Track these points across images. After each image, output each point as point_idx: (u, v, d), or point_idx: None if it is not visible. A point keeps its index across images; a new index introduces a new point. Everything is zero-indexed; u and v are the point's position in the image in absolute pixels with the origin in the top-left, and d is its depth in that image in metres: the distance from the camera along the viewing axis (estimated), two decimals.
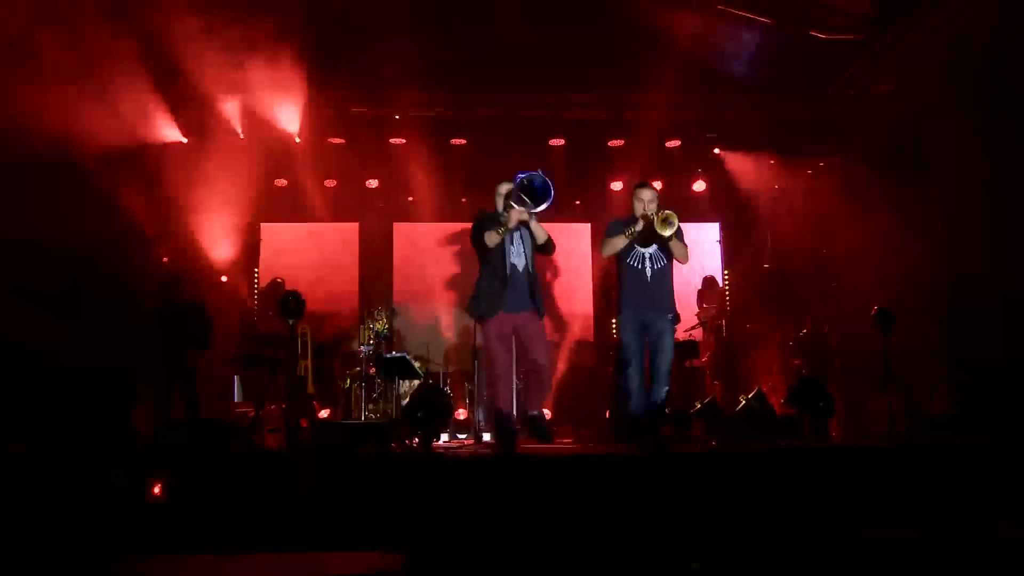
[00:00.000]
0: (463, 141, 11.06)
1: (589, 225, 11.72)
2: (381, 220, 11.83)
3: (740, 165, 11.32)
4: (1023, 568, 3.75)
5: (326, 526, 4.46)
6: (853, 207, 9.58)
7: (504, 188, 6.36)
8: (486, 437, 8.15)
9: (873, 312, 7.81)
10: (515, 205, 6.09)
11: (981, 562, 3.78)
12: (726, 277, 11.72)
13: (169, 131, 10.09)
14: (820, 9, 8.43)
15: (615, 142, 11.13)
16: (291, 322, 7.18)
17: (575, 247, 11.76)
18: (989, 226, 7.86)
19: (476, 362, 8.21)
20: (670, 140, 11.23)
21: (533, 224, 6.28)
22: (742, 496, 4.71)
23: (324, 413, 9.18)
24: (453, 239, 11.34)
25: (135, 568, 3.77)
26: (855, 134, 9.81)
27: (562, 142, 11.16)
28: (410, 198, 11.48)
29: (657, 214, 6.11)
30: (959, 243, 8.31)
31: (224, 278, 10.63)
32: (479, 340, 6.62)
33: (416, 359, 8.83)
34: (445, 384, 9.16)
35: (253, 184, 10.70)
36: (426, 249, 11.61)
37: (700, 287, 10.67)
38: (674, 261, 6.45)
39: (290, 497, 4.77)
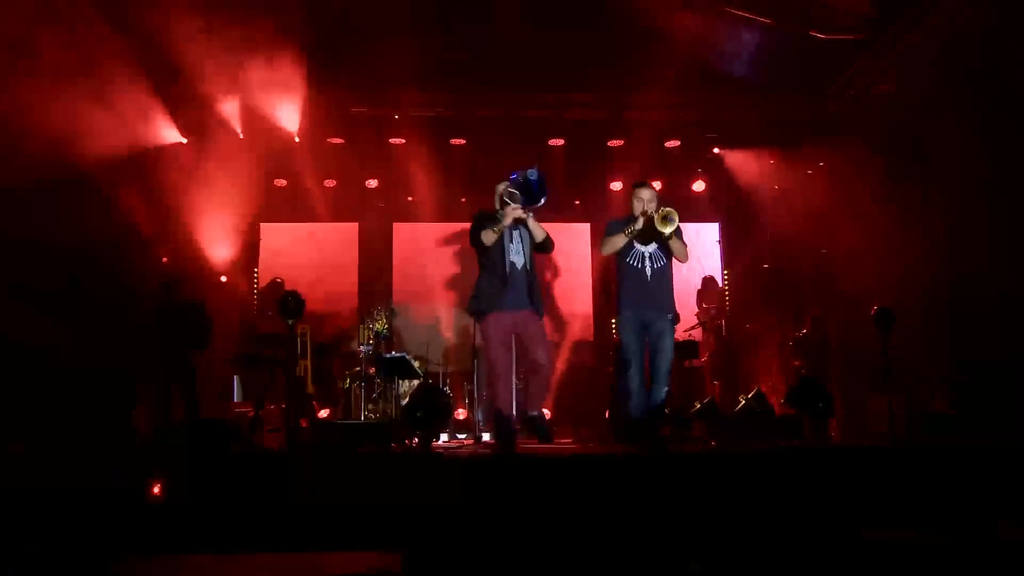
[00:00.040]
0: (463, 141, 11.06)
1: (589, 225, 11.71)
2: (381, 220, 11.82)
3: (740, 165, 11.32)
4: (1023, 568, 3.75)
5: (326, 526, 4.46)
6: (853, 207, 9.58)
7: (502, 187, 6.39)
8: (486, 437, 8.14)
9: (873, 312, 7.81)
10: (509, 202, 6.13)
11: (981, 562, 3.78)
12: (725, 277, 11.72)
13: (169, 131, 10.08)
14: (820, 9, 8.42)
15: (615, 142, 11.13)
16: (290, 322, 7.19)
17: (575, 247, 11.76)
18: (989, 226, 7.87)
19: (476, 362, 8.22)
20: (670, 140, 11.23)
21: (531, 222, 6.29)
22: (742, 496, 4.71)
23: (324, 413, 9.18)
24: (453, 239, 11.34)
25: (135, 568, 3.77)
26: (855, 134, 9.81)
27: (562, 142, 11.16)
28: (410, 198, 11.47)
29: (657, 211, 6.11)
30: (959, 243, 8.32)
31: (224, 278, 10.63)
32: (479, 340, 6.62)
33: (416, 359, 8.83)
34: (444, 384, 9.15)
35: (253, 184, 10.70)
36: (426, 249, 11.61)
37: (700, 287, 10.67)
38: (673, 261, 6.45)
39: (290, 497, 4.77)
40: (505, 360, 6.38)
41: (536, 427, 6.32)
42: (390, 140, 10.92)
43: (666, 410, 6.71)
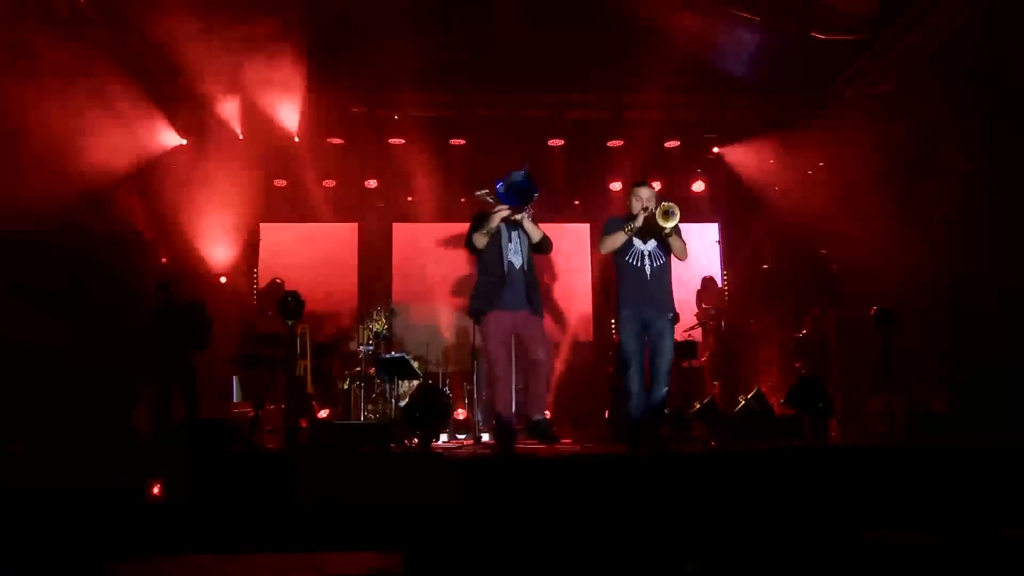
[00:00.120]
0: (462, 141, 11.06)
1: (588, 225, 11.72)
2: (380, 220, 11.84)
3: (739, 165, 11.32)
4: (1023, 568, 3.75)
5: (326, 526, 4.46)
6: (853, 207, 9.57)
7: (480, 194, 6.45)
8: (485, 437, 8.14)
9: (873, 312, 7.81)
10: (489, 201, 6.18)
11: (981, 562, 3.78)
12: (725, 277, 11.72)
13: (168, 131, 10.08)
14: (820, 9, 8.42)
15: (614, 142, 11.13)
16: (290, 322, 7.19)
17: (574, 247, 11.76)
18: (989, 226, 7.86)
19: (475, 362, 8.21)
20: (669, 140, 11.24)
21: (527, 223, 6.30)
22: (742, 496, 4.71)
23: (323, 413, 9.17)
24: (453, 239, 11.33)
25: (135, 568, 3.77)
26: (855, 134, 9.80)
27: (561, 142, 11.16)
28: (409, 198, 11.48)
29: (658, 206, 6.07)
30: (959, 243, 8.31)
31: (223, 279, 10.62)
32: (478, 340, 6.62)
33: (415, 359, 8.82)
34: (444, 384, 9.14)
35: (252, 184, 10.71)
36: (425, 249, 11.61)
37: (699, 287, 10.67)
38: (672, 260, 6.44)
39: (290, 497, 4.77)
40: (504, 360, 6.38)
41: (540, 431, 6.30)
42: (390, 140, 10.93)
43: (666, 410, 6.70)
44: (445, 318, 11.27)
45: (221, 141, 10.29)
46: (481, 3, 8.57)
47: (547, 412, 6.44)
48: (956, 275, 8.31)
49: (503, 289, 6.28)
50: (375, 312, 9.32)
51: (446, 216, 11.19)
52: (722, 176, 11.59)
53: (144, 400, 7.80)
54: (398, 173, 11.12)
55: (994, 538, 4.20)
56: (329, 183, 11.31)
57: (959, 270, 8.27)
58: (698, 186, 11.48)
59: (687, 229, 6.57)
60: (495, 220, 6.20)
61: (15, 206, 6.91)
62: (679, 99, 10.42)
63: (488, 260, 6.40)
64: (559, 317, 11.48)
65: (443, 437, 8.70)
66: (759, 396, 8.21)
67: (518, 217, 6.25)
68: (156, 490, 4.72)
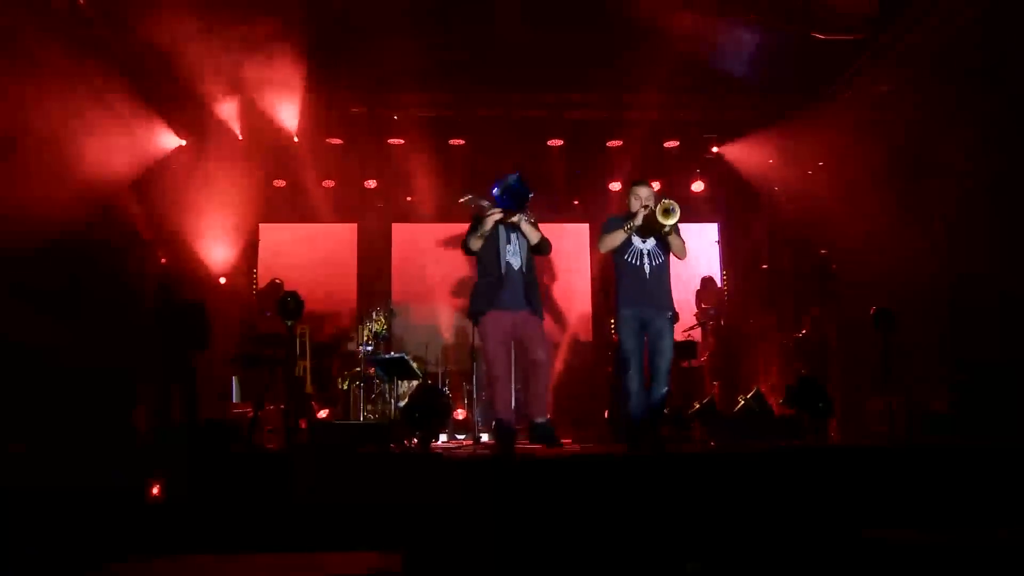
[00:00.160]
0: (462, 141, 11.06)
1: (588, 225, 11.72)
2: (380, 220, 11.84)
3: (739, 163, 11.32)
4: (1023, 568, 3.75)
5: (326, 526, 4.46)
6: (853, 207, 9.57)
7: (464, 200, 6.47)
8: (484, 437, 8.14)
9: (872, 312, 7.81)
10: (482, 206, 6.21)
11: (981, 562, 3.78)
12: (724, 277, 11.73)
13: (168, 132, 10.08)
14: (820, 9, 8.41)
15: (614, 142, 11.12)
16: (289, 323, 7.19)
17: (574, 247, 11.77)
18: (989, 226, 7.86)
19: (474, 363, 8.21)
20: (669, 140, 11.23)
21: (524, 225, 6.31)
22: (742, 496, 4.71)
23: (323, 413, 9.18)
24: (452, 240, 11.32)
25: (135, 568, 3.77)
26: (855, 134, 9.80)
27: (561, 142, 11.16)
28: (409, 198, 11.48)
29: (658, 204, 6.05)
30: (959, 243, 8.31)
31: (223, 279, 10.62)
32: (477, 341, 6.63)
33: (415, 359, 8.82)
34: (444, 384, 9.14)
35: (252, 185, 10.70)
36: (425, 250, 11.62)
37: (698, 287, 10.67)
38: (672, 259, 6.43)
39: (290, 497, 4.77)
40: (503, 360, 6.39)
41: (542, 435, 6.28)
42: (389, 140, 10.92)
43: (666, 410, 6.70)
44: (444, 318, 11.27)
45: (221, 141, 10.28)
46: (481, 3, 8.55)
47: (547, 414, 6.41)
48: (956, 275, 8.31)
49: (501, 290, 6.29)
50: (374, 312, 9.32)
51: (446, 216, 11.19)
52: (722, 176, 11.59)
53: (144, 400, 7.80)
54: (398, 173, 11.12)
55: (994, 538, 4.20)
56: (329, 183, 11.31)
57: (959, 270, 8.27)
58: (697, 186, 11.47)
59: (686, 229, 6.56)
60: (488, 223, 6.23)
61: (15, 207, 6.91)
62: (678, 99, 10.41)
63: (487, 261, 6.42)
64: (559, 317, 11.48)
65: (442, 437, 8.70)
66: (758, 396, 8.21)
67: (515, 219, 6.26)
68: (156, 490, 4.72)
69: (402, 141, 10.86)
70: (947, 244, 8.56)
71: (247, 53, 8.72)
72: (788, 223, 11.13)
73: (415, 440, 7.57)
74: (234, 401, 9.27)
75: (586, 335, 11.66)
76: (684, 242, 6.35)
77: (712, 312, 10.33)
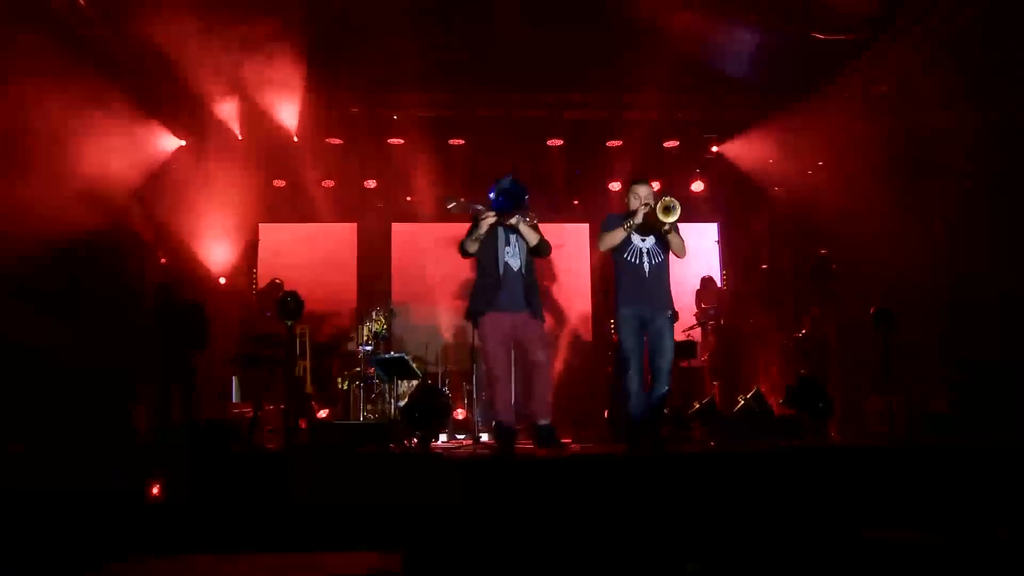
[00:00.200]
0: (462, 141, 11.05)
1: (588, 225, 11.72)
2: (380, 220, 11.84)
3: (739, 162, 11.31)
4: (1023, 568, 3.75)
5: (326, 526, 4.46)
6: (852, 207, 9.57)
7: (451, 205, 6.47)
8: (484, 437, 8.14)
9: (872, 312, 7.81)
10: (474, 211, 6.24)
11: (981, 562, 3.78)
12: (724, 277, 11.72)
13: (167, 132, 10.08)
14: (820, 9, 8.41)
15: (614, 142, 11.12)
16: (289, 323, 7.19)
17: (574, 247, 11.77)
18: (989, 226, 7.86)
19: (474, 363, 8.21)
20: (669, 140, 11.23)
21: (523, 227, 6.29)
22: (742, 496, 4.71)
23: (323, 413, 9.17)
24: (452, 240, 11.31)
25: (135, 568, 3.77)
26: (855, 134, 9.80)
27: (561, 142, 11.16)
28: (409, 198, 11.48)
29: (659, 202, 6.01)
30: (959, 243, 8.31)
31: (223, 279, 10.62)
32: (476, 341, 6.63)
33: (414, 359, 8.82)
34: (443, 384, 9.14)
35: (252, 185, 10.70)
36: (425, 249, 11.60)
37: (698, 287, 10.67)
38: (671, 258, 6.41)
39: (290, 497, 4.77)
40: (503, 361, 6.37)
41: (544, 437, 6.25)
42: (389, 140, 10.92)
43: (665, 410, 6.69)
44: (444, 318, 11.27)
45: (220, 141, 10.28)
46: (481, 3, 8.55)
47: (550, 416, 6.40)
48: (956, 275, 8.31)
49: (499, 291, 6.28)
50: (374, 312, 9.32)
51: (445, 216, 11.11)
52: (721, 176, 11.59)
53: (144, 400, 7.81)
54: (397, 173, 11.11)
55: (994, 538, 4.20)
56: (328, 183, 11.30)
57: (959, 270, 8.27)
58: (697, 186, 11.46)
59: (686, 229, 6.55)
60: (483, 227, 6.23)
61: (15, 207, 6.91)
62: (678, 99, 10.42)
63: (485, 263, 6.42)
64: (558, 317, 11.48)
65: (442, 437, 8.70)
66: (758, 396, 8.20)
67: (512, 221, 6.25)
68: (156, 490, 4.72)
69: (402, 141, 10.86)
70: (947, 244, 8.57)
71: (247, 53, 8.71)
72: (788, 223, 11.13)
73: (415, 440, 7.56)
74: (234, 401, 9.27)
75: (586, 335, 11.66)
76: (684, 241, 6.33)
77: (712, 312, 10.32)
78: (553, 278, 11.57)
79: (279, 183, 11.29)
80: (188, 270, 9.95)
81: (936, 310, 8.53)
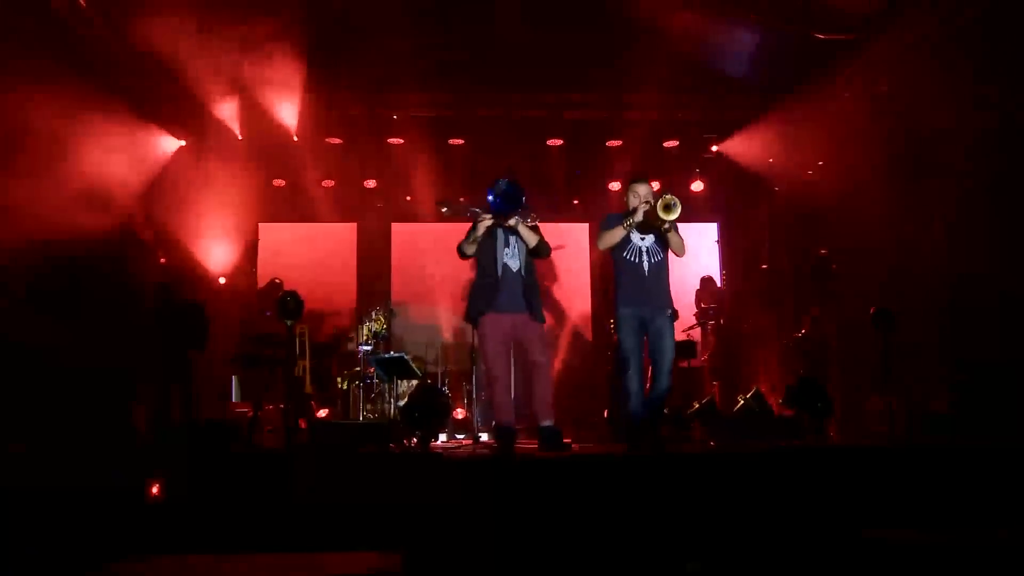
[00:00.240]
0: (462, 141, 11.05)
1: (587, 225, 11.72)
2: (380, 220, 11.85)
3: (738, 165, 11.31)
4: (1023, 568, 3.75)
5: (325, 526, 4.46)
6: (852, 207, 9.57)
7: (445, 209, 6.47)
8: (484, 437, 8.13)
9: (872, 312, 7.81)
10: (468, 213, 6.23)
11: (981, 562, 3.78)
12: (724, 277, 11.72)
13: (167, 132, 10.08)
14: (820, 9, 8.41)
15: (614, 142, 11.12)
16: (289, 323, 7.18)
17: (574, 247, 11.77)
18: (989, 226, 7.86)
19: (474, 363, 8.20)
20: (668, 140, 11.23)
21: (522, 229, 6.28)
22: (742, 496, 4.71)
23: (322, 413, 9.17)
24: (452, 239, 11.30)
25: (135, 568, 3.77)
26: (854, 134, 9.80)
27: (561, 142, 11.16)
28: (408, 198, 11.48)
29: (659, 199, 5.96)
30: (959, 243, 8.30)
31: (222, 279, 10.62)
32: (476, 341, 6.62)
33: (414, 359, 8.81)
34: (443, 384, 9.14)
35: (251, 184, 10.71)
36: (424, 249, 11.60)
37: (698, 287, 10.67)
38: (670, 257, 6.39)
39: (290, 497, 4.76)
40: (502, 361, 6.36)
41: (549, 440, 6.21)
42: (389, 140, 10.92)
43: (665, 410, 6.68)
44: (444, 318, 11.27)
45: (220, 141, 10.29)
46: (481, 3, 8.56)
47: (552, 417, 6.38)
48: (956, 275, 8.31)
49: (498, 292, 6.27)
50: (374, 312, 9.31)
51: (445, 216, 11.16)
52: (721, 176, 11.59)
53: (144, 400, 7.80)
54: (397, 173, 11.12)
55: (994, 538, 4.20)
56: (328, 183, 11.31)
57: (959, 270, 8.26)
58: (697, 186, 11.45)
59: (686, 228, 6.54)
60: (480, 229, 6.21)
61: (15, 207, 6.91)
62: (678, 99, 10.43)
63: (485, 263, 6.41)
64: (558, 316, 11.49)
65: (442, 437, 8.70)
66: (758, 396, 8.20)
67: (511, 223, 6.24)
68: (156, 490, 4.71)
69: (402, 141, 10.86)
70: (947, 244, 8.56)
71: (247, 53, 8.73)
72: (788, 223, 11.13)
73: (415, 440, 7.56)
74: (234, 401, 9.27)
75: (586, 335, 11.67)
76: (683, 239, 6.31)
77: (712, 312, 10.33)
78: (553, 278, 11.57)
79: (279, 183, 11.29)
80: (188, 270, 9.95)
81: (936, 310, 8.53)
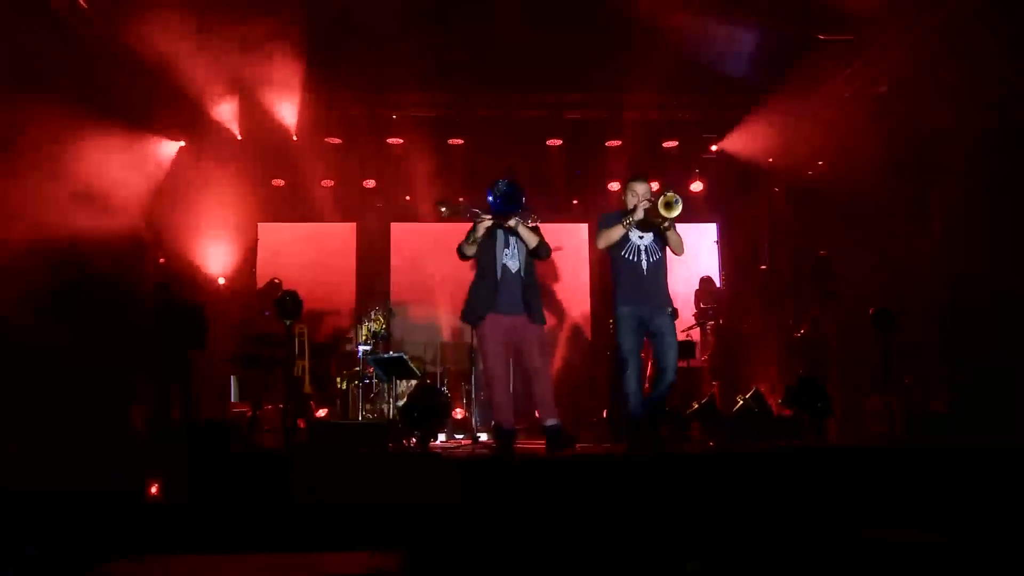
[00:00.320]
0: (461, 141, 11.05)
1: (587, 225, 11.71)
2: (379, 220, 11.86)
3: (738, 165, 11.31)
4: (1023, 568, 3.74)
5: (324, 526, 4.45)
6: (852, 207, 9.57)
7: (444, 210, 6.47)
8: (483, 437, 8.13)
9: (872, 312, 7.80)
10: (473, 211, 6.24)
11: (981, 562, 3.77)
12: (723, 277, 11.72)
13: (167, 132, 10.07)
14: (820, 9, 8.41)
15: (613, 142, 11.12)
16: (288, 323, 7.18)
17: (573, 246, 11.77)
18: (989, 226, 7.85)
19: (473, 363, 8.20)
20: (668, 140, 11.23)
21: (522, 230, 6.26)
22: (742, 496, 4.71)
23: (321, 413, 9.17)
24: (451, 239, 11.29)
25: (135, 568, 3.76)
26: (854, 134, 9.80)
27: (560, 142, 11.16)
28: (408, 198, 11.48)
29: (661, 197, 5.92)
30: (959, 243, 8.30)
31: (222, 279, 10.62)
32: (475, 342, 6.60)
33: (413, 359, 8.80)
34: (442, 384, 9.14)
35: (251, 184, 10.71)
36: (424, 249, 11.60)
37: (697, 287, 10.67)
38: (669, 257, 6.36)
39: (289, 497, 4.76)
40: (501, 362, 6.35)
41: (555, 438, 6.17)
42: (388, 140, 10.92)
43: (666, 408, 6.66)
44: (443, 318, 11.27)
45: (220, 141, 10.29)
46: (481, 3, 8.56)
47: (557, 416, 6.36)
48: (956, 275, 8.31)
49: (497, 293, 6.25)
50: (373, 312, 9.30)
51: (444, 216, 11.16)
52: (721, 176, 11.59)
53: (143, 400, 7.80)
54: (397, 173, 11.13)
55: (994, 538, 4.20)
56: (328, 183, 11.31)
57: (959, 270, 8.26)
58: (696, 186, 11.45)
59: (686, 228, 6.53)
60: (480, 230, 6.20)
61: (15, 207, 6.91)
62: (677, 99, 10.43)
63: (484, 264, 6.39)
64: (558, 316, 11.49)
65: (441, 437, 8.69)
66: (757, 396, 8.19)
67: (511, 224, 6.23)
68: (155, 490, 4.71)
69: (401, 141, 10.86)
70: (947, 244, 8.56)
71: (247, 53, 8.72)
72: (788, 223, 11.13)
73: (414, 440, 7.56)
74: (233, 401, 9.27)
75: (585, 334, 11.67)
76: (681, 238, 6.29)
77: (711, 312, 10.32)
78: (554, 278, 11.57)
79: (278, 183, 11.30)
80: (188, 270, 9.95)
81: (936, 310, 8.53)
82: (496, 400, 6.31)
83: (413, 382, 8.57)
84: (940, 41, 8.39)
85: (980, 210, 7.99)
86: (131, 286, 8.80)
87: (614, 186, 11.42)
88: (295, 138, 10.47)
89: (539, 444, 6.64)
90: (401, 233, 11.87)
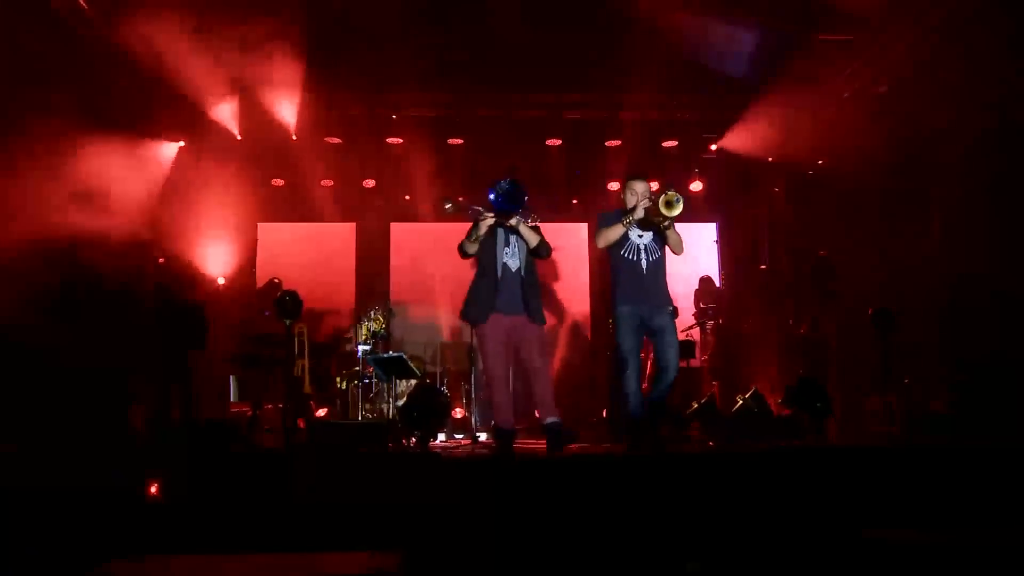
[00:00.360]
0: (461, 141, 11.05)
1: (586, 224, 11.71)
2: (379, 220, 11.85)
3: (737, 164, 11.31)
4: (1023, 568, 3.74)
5: (324, 526, 4.45)
6: (852, 207, 9.57)
7: (449, 207, 6.46)
8: (483, 437, 8.13)
9: (871, 312, 7.80)
10: (475, 209, 6.24)
11: (981, 562, 3.77)
12: (723, 277, 11.72)
13: (166, 132, 10.07)
14: (820, 9, 8.41)
15: (613, 142, 11.12)
16: (287, 322, 7.18)
17: (573, 246, 11.76)
18: (989, 226, 7.86)
19: (472, 362, 8.20)
20: (667, 140, 11.23)
21: (523, 229, 6.25)
22: (742, 496, 4.71)
23: (321, 413, 9.16)
24: (451, 239, 11.29)
25: (135, 568, 3.76)
26: (853, 134, 9.81)
27: (560, 142, 11.16)
28: (407, 198, 11.48)
29: (662, 195, 5.90)
30: (959, 243, 8.31)
31: (221, 279, 10.62)
32: (475, 341, 6.60)
33: (413, 359, 8.79)
34: (442, 384, 9.13)
35: (250, 184, 10.71)
36: (424, 249, 11.60)
37: (697, 287, 10.67)
38: (668, 256, 6.35)
39: (288, 497, 4.76)
40: (501, 362, 6.34)
41: (556, 435, 6.15)
42: (388, 140, 10.92)
43: (666, 409, 6.66)
44: (443, 318, 11.27)
45: (219, 141, 10.29)
46: (481, 3, 8.56)
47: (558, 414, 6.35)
48: (956, 275, 8.31)
49: (497, 292, 6.24)
50: (373, 311, 9.29)
51: (445, 216, 11.12)
52: (720, 176, 11.58)
53: (143, 400, 7.80)
54: (397, 173, 11.13)
55: (994, 538, 4.20)
56: (327, 183, 11.31)
57: (959, 270, 8.26)
58: (696, 186, 11.44)
59: (686, 228, 6.52)
60: (482, 228, 6.19)
61: (15, 207, 6.91)
62: (677, 99, 10.43)
63: (484, 263, 6.39)
64: (558, 316, 11.49)
65: (441, 437, 8.69)
66: (757, 396, 8.19)
67: (512, 223, 6.23)
68: (155, 490, 4.71)
69: (401, 141, 10.86)
70: (947, 244, 8.56)
71: (246, 53, 8.72)
72: (788, 223, 11.13)
73: (413, 440, 7.56)
74: (233, 401, 9.26)
75: (585, 334, 11.67)
76: (681, 237, 6.28)
77: (711, 312, 10.32)
78: (554, 277, 11.57)
79: (278, 182, 11.29)
80: (188, 270, 9.94)
81: (936, 310, 8.53)
82: (496, 400, 6.31)
83: (413, 382, 8.57)
84: (940, 41, 8.40)
85: (980, 210, 7.99)
86: (131, 286, 8.78)
87: (614, 186, 11.41)
88: (295, 138, 10.47)
89: (539, 444, 6.64)
90: (401, 233, 11.86)
